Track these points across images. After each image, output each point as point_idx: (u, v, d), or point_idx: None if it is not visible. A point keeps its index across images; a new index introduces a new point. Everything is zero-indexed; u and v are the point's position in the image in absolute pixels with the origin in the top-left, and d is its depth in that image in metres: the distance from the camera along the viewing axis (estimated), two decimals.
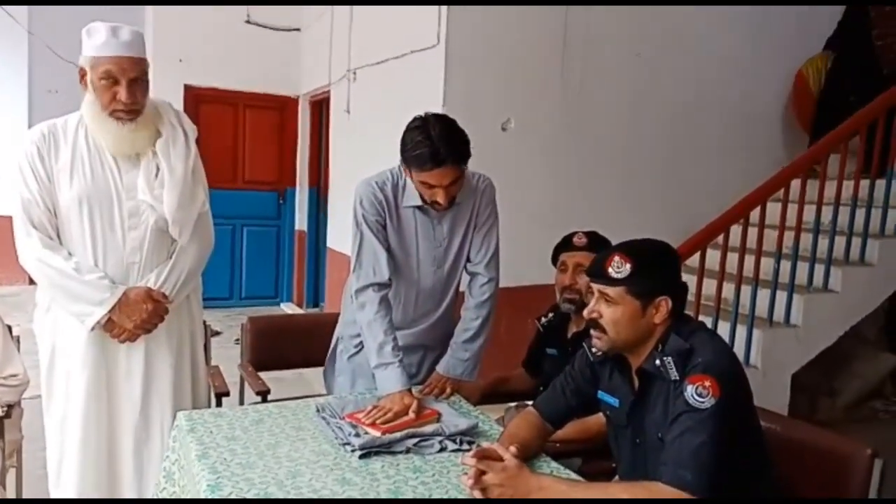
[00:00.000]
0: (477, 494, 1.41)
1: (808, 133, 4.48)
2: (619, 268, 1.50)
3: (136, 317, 1.98)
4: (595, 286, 1.56)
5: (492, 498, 1.39)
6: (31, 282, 2.09)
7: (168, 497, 1.73)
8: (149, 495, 1.96)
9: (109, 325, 1.99)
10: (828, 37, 4.60)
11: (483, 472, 1.42)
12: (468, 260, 2.17)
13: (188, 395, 2.17)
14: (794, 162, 3.67)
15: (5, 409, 2.09)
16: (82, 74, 1.98)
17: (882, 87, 3.92)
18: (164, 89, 5.46)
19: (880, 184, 3.79)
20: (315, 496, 1.42)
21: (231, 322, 5.64)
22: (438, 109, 2.03)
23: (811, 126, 4.45)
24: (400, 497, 1.43)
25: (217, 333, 5.31)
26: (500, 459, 1.44)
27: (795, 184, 3.59)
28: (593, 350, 1.65)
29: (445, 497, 1.44)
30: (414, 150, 1.89)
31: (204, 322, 2.36)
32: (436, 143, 1.86)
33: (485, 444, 1.53)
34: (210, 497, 1.40)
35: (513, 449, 1.49)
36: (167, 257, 2.08)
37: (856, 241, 3.74)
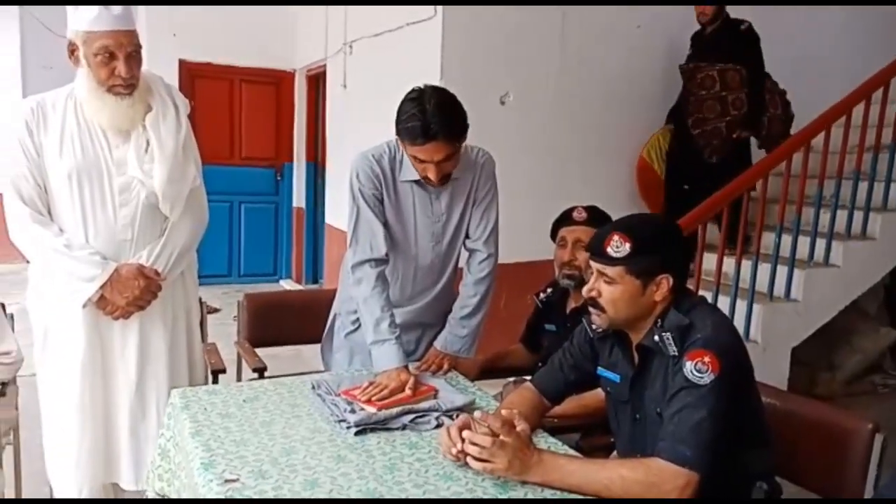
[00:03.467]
0: (475, 464, 1.39)
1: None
2: (617, 247, 1.47)
3: (128, 293, 1.96)
4: (594, 265, 1.53)
5: (496, 469, 1.38)
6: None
7: (163, 474, 1.72)
8: (146, 472, 1.95)
9: (102, 303, 1.97)
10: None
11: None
12: (467, 235, 2.14)
13: (184, 373, 2.16)
14: (795, 135, 3.62)
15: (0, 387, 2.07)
16: (72, 49, 1.93)
17: (710, 175, 3.68)
18: (159, 64, 5.39)
19: (883, 157, 3.75)
20: (310, 473, 1.40)
21: (230, 299, 5.62)
22: (436, 83, 1.99)
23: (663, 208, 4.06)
24: (396, 473, 1.42)
25: (215, 310, 5.30)
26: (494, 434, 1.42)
27: (797, 157, 3.55)
28: (593, 326, 1.63)
29: (441, 473, 1.43)
30: (406, 122, 1.85)
31: (200, 299, 2.34)
32: (428, 117, 1.81)
33: (478, 414, 1.50)
34: (204, 474, 1.39)
35: (524, 422, 1.47)
36: (160, 234, 2.05)
37: (858, 215, 3.71)
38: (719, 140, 3.85)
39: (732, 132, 3.85)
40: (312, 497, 1.32)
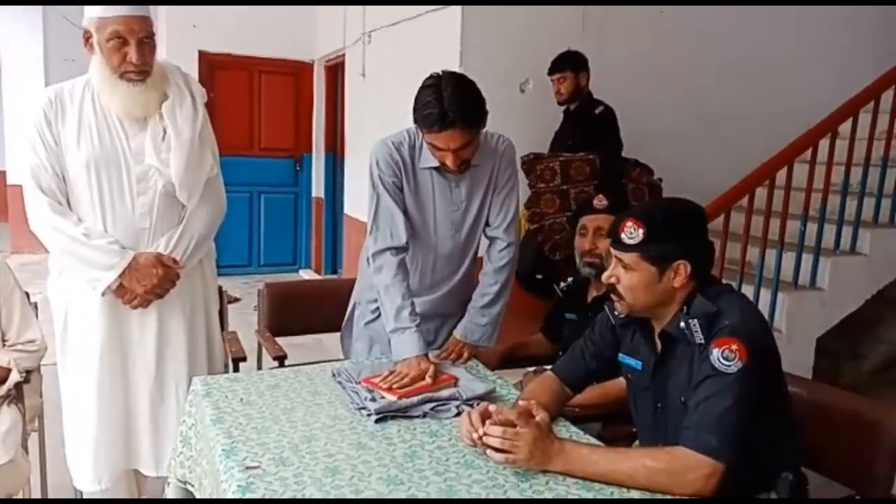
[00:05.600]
0: (496, 455, 1.38)
1: None
2: (631, 233, 1.46)
3: (146, 282, 1.97)
4: (613, 251, 1.53)
5: (518, 460, 1.36)
6: None
7: (185, 461, 1.73)
8: (166, 460, 1.97)
9: (120, 291, 1.99)
10: None
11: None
12: (487, 223, 2.12)
13: (203, 360, 2.17)
14: (821, 122, 3.55)
15: (24, 374, 2.10)
16: (87, 37, 1.94)
17: (556, 271, 3.21)
18: (178, 56, 5.42)
19: None
20: (331, 461, 1.40)
21: (250, 289, 5.67)
22: (455, 70, 1.96)
23: None
24: (417, 460, 1.42)
25: (236, 300, 5.33)
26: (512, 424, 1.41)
27: (824, 143, 3.48)
28: (615, 313, 1.61)
29: (462, 461, 1.42)
30: (423, 110, 1.83)
31: (220, 288, 2.35)
32: (445, 105, 1.79)
33: (493, 406, 1.49)
34: (225, 461, 1.39)
35: (543, 412, 1.47)
36: (177, 223, 2.06)
37: (886, 202, 3.63)
38: (563, 235, 3.33)
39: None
40: (334, 483, 1.32)
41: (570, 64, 3.56)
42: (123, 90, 1.94)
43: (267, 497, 1.27)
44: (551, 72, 3.61)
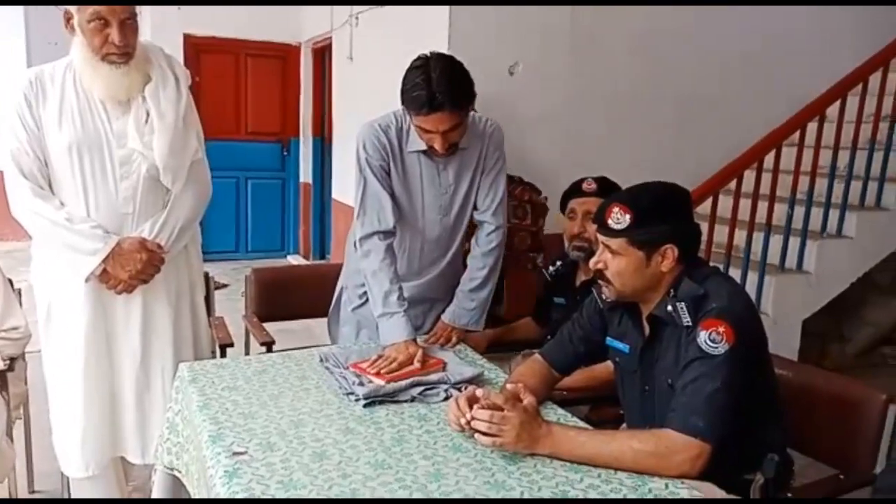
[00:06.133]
0: (484, 439, 1.38)
1: None
2: (618, 219, 1.45)
3: (130, 267, 1.95)
4: (599, 237, 1.52)
5: (505, 444, 1.36)
6: None
7: (172, 448, 1.72)
8: (152, 446, 1.96)
9: (104, 276, 1.96)
10: None
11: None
12: (475, 207, 2.11)
13: (189, 346, 2.16)
14: (809, 105, 3.55)
15: (8, 362, 2.08)
16: (68, 18, 1.90)
17: None
18: (163, 39, 5.34)
19: None
20: (318, 445, 1.40)
21: (238, 275, 5.63)
22: (444, 53, 1.94)
23: None
24: (405, 444, 1.41)
25: (223, 286, 5.31)
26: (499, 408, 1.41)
27: (812, 127, 3.48)
28: (603, 297, 1.61)
29: (450, 445, 1.42)
30: (411, 91, 1.81)
31: (206, 273, 2.33)
32: (433, 87, 1.77)
33: (480, 392, 1.49)
34: (212, 447, 1.38)
35: (530, 395, 1.46)
36: (162, 207, 2.03)
37: (872, 186, 3.65)
38: None
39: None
40: (321, 468, 1.31)
41: None
42: (105, 72, 1.91)
43: (254, 482, 1.26)
44: None
